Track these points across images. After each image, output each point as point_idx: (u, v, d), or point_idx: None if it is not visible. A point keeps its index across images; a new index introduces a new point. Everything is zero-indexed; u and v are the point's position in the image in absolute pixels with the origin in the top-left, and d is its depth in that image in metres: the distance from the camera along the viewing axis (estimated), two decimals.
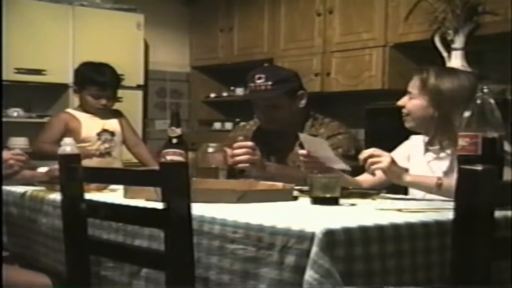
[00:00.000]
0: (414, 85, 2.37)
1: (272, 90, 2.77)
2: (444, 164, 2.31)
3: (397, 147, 2.53)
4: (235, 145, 2.57)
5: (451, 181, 2.06)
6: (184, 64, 6.00)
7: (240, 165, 2.55)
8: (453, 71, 2.42)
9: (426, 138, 2.38)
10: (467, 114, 1.92)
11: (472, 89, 2.24)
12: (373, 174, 2.21)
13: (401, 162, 2.37)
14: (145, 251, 1.72)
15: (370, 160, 2.16)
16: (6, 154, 2.25)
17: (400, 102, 2.41)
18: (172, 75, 5.96)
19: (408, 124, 2.40)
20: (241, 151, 2.53)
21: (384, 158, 2.15)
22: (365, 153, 2.18)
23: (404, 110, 2.39)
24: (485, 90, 1.89)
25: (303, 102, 2.86)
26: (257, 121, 3.02)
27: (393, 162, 2.16)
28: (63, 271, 1.91)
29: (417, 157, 2.42)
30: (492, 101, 1.90)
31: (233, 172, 2.69)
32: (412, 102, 2.36)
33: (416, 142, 2.45)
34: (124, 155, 3.71)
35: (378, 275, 1.45)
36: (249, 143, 2.58)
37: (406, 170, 2.26)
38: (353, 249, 1.42)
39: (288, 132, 2.82)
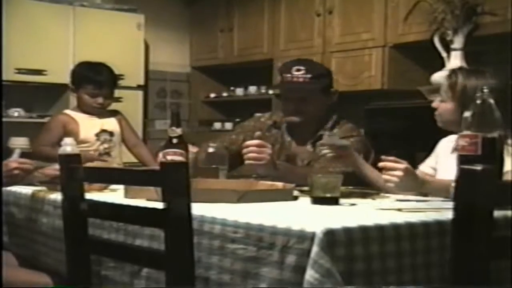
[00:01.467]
0: (444, 89, 2.36)
1: (310, 84, 2.75)
2: None
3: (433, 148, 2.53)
4: (245, 144, 2.57)
5: None
6: (184, 64, 6.00)
7: (247, 161, 2.53)
8: (481, 72, 2.39)
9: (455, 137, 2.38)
10: (467, 114, 1.93)
11: (502, 89, 2.23)
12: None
13: (433, 165, 2.43)
14: (146, 251, 1.72)
15: (385, 174, 2.15)
16: (13, 163, 2.24)
17: (434, 104, 2.41)
18: (172, 75, 5.96)
19: (439, 124, 2.41)
20: (249, 149, 2.52)
21: (396, 172, 2.12)
22: (382, 164, 2.18)
23: (436, 112, 2.39)
24: (485, 91, 1.89)
25: (333, 99, 2.86)
26: (272, 114, 3.02)
27: (407, 174, 2.13)
28: (64, 270, 1.91)
29: (444, 158, 2.42)
30: (492, 101, 1.90)
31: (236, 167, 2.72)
32: (442, 106, 2.36)
33: (444, 143, 2.46)
34: (124, 156, 3.71)
35: (378, 274, 1.46)
36: (256, 142, 2.55)
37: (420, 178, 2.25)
38: (353, 249, 1.43)
39: (307, 129, 2.82)
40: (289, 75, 2.77)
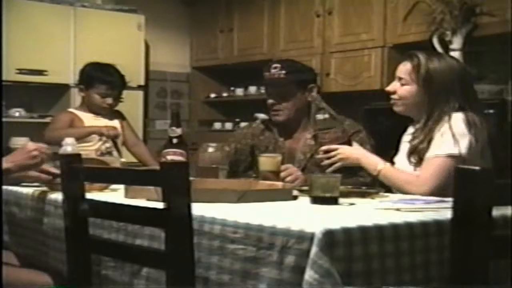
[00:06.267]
0: (405, 71, 2.40)
1: (284, 79, 2.83)
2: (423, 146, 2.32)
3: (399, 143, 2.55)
4: (283, 174, 2.53)
5: (391, 170, 2.30)
6: (184, 65, 6.01)
7: (296, 183, 2.51)
8: (441, 55, 2.47)
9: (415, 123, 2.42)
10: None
11: (461, 72, 2.33)
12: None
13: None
14: (146, 250, 1.73)
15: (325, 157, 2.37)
16: (31, 145, 2.19)
17: (390, 88, 2.44)
18: (172, 76, 5.97)
19: (397, 108, 2.43)
20: (289, 177, 2.53)
21: (336, 153, 2.36)
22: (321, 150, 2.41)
23: (394, 96, 2.42)
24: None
25: (312, 95, 2.89)
26: (264, 119, 3.07)
27: (347, 157, 2.37)
28: (64, 270, 1.92)
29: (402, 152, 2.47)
30: None
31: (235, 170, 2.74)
32: (405, 88, 2.39)
33: (405, 138, 2.50)
34: (124, 156, 3.72)
35: (378, 274, 1.46)
36: (288, 171, 2.56)
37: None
38: (352, 249, 1.43)
39: (295, 124, 2.89)
40: (267, 73, 2.87)
